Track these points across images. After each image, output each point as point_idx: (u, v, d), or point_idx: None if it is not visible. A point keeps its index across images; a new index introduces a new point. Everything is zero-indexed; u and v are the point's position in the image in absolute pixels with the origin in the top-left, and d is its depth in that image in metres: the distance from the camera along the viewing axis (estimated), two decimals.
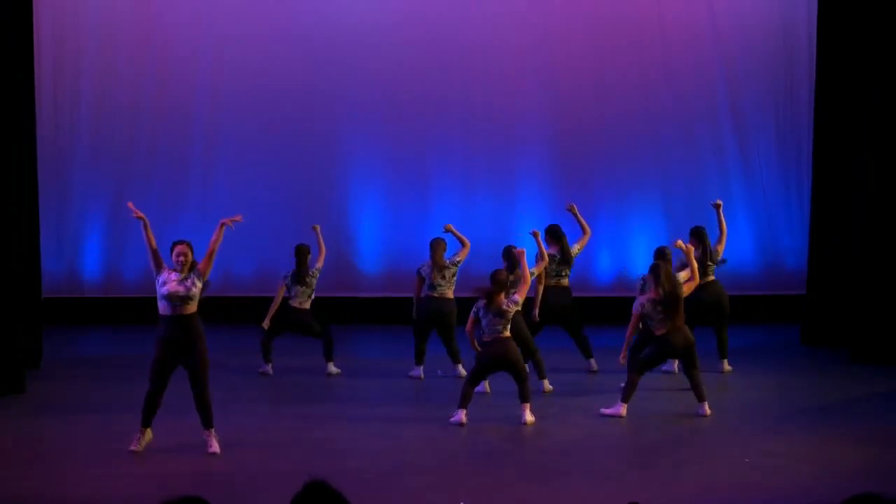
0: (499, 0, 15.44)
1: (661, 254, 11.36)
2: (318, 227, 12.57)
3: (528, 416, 10.05)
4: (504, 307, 9.98)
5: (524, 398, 10.10)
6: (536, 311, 11.82)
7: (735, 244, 15.08)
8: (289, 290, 12.22)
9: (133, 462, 8.88)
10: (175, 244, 9.06)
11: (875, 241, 12.84)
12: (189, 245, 9.07)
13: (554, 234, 12.18)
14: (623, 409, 10.25)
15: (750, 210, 15.47)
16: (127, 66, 15.36)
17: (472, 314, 10.11)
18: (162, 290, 8.92)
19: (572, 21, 15.42)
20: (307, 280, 12.18)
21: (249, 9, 15.39)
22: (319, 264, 12.33)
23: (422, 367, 12.05)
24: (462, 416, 10.01)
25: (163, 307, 8.97)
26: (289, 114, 15.39)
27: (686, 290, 10.57)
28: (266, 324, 12.20)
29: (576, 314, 12.26)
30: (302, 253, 12.21)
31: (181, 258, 8.94)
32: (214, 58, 15.36)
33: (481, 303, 10.03)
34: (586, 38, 15.42)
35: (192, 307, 8.93)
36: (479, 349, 10.10)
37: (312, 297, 12.29)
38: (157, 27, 15.36)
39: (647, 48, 15.42)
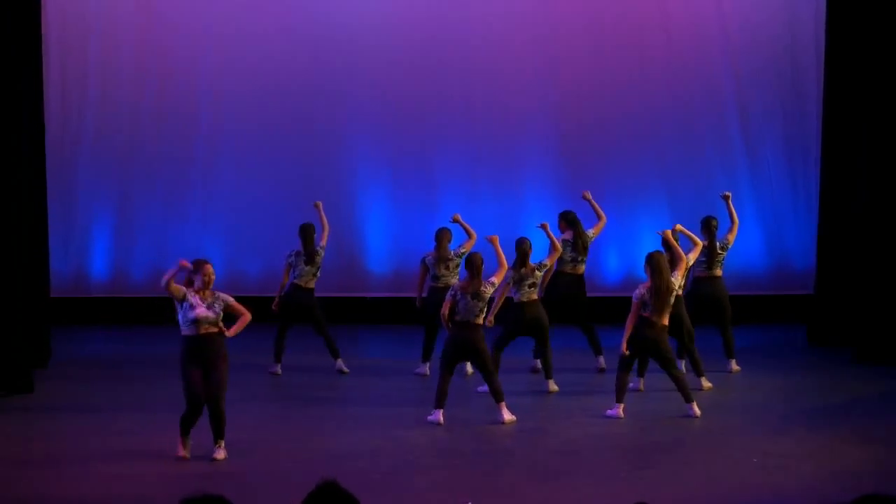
0: (505, 1, 15.45)
1: (667, 243, 11.40)
2: (321, 204, 12.54)
3: (507, 415, 10.08)
4: (481, 289, 10.08)
5: (497, 397, 10.12)
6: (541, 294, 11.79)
7: (742, 244, 15.05)
8: (294, 269, 12.22)
9: (140, 462, 8.91)
10: (203, 263, 8.98)
11: (883, 241, 12.81)
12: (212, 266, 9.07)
13: (568, 220, 12.24)
14: (619, 410, 10.25)
15: (757, 209, 15.44)
16: (131, 67, 15.39)
17: (448, 297, 10.21)
18: (190, 315, 8.82)
19: (578, 20, 15.41)
20: (315, 259, 12.18)
21: (253, 9, 15.39)
22: (323, 242, 12.34)
23: (428, 364, 12.09)
24: (440, 416, 10.05)
25: (189, 330, 8.89)
26: (293, 113, 15.41)
27: (692, 257, 11.03)
28: (275, 305, 12.20)
29: (586, 305, 12.27)
30: (307, 232, 12.20)
31: (210, 278, 8.92)
32: (218, 58, 15.39)
33: (458, 285, 10.19)
34: (592, 37, 15.40)
35: (217, 328, 8.91)
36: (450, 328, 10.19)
37: (318, 276, 12.30)
38: (160, 29, 15.38)
39: (653, 48, 15.39)
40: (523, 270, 11.10)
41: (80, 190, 15.45)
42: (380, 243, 15.59)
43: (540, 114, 15.52)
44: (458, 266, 12.03)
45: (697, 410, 10.25)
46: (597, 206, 12.56)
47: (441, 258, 12.01)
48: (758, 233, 15.44)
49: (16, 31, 11.79)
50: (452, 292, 10.19)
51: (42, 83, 12.73)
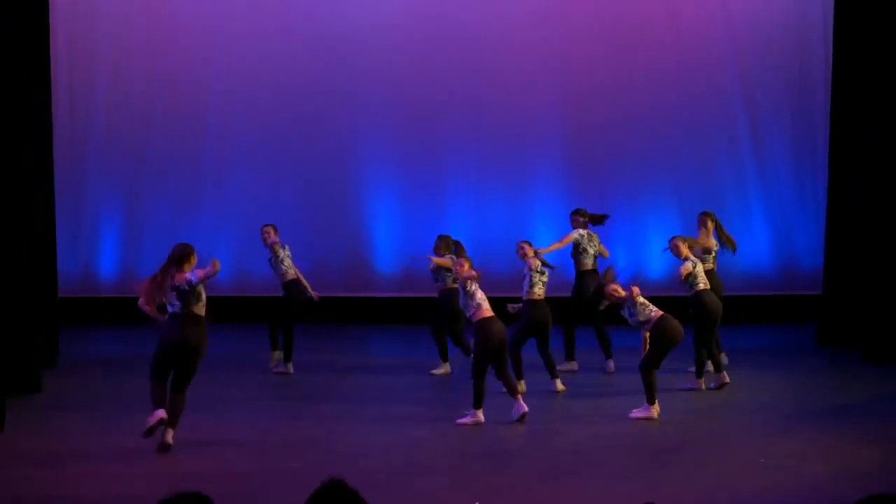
0: (512, 0, 15.46)
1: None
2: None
3: (523, 407, 10.04)
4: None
5: (513, 391, 10.09)
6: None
7: (751, 244, 15.09)
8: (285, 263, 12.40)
9: (147, 461, 8.91)
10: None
11: (891, 241, 12.80)
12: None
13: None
14: (653, 411, 10.22)
15: (765, 210, 15.43)
16: (141, 67, 15.44)
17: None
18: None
19: (587, 21, 15.42)
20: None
21: (263, 10, 15.43)
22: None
23: (448, 363, 12.14)
24: (481, 415, 10.00)
25: None
26: (303, 114, 15.44)
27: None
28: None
29: (573, 306, 12.31)
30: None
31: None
32: (228, 59, 15.42)
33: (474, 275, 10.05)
34: (601, 38, 15.41)
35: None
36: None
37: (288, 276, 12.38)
38: (169, 29, 15.42)
39: (661, 49, 15.40)
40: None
41: (88, 190, 15.50)
42: (388, 243, 15.60)
43: (548, 114, 15.53)
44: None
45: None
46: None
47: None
48: (766, 233, 15.43)
49: (23, 30, 11.82)
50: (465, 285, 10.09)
51: (50, 83, 12.76)
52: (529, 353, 11.61)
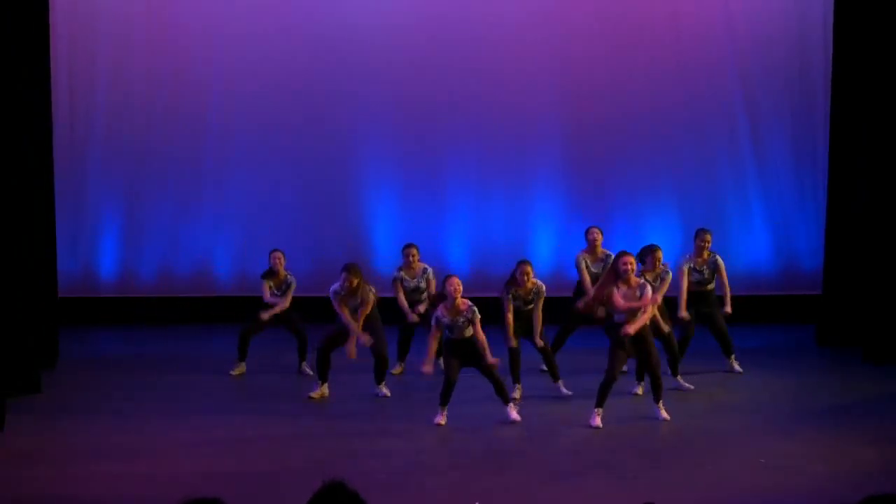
0: (512, 0, 15.45)
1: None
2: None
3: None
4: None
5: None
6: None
7: (751, 244, 15.08)
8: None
9: (147, 462, 8.92)
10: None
11: (891, 241, 12.80)
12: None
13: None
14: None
15: (765, 210, 15.41)
16: (141, 67, 15.40)
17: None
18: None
19: (587, 21, 15.39)
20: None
21: (263, 10, 15.41)
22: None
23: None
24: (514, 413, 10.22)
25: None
26: (303, 114, 15.42)
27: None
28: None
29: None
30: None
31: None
32: (227, 59, 15.39)
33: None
34: (602, 38, 15.37)
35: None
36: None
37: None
38: (170, 29, 15.39)
39: (662, 49, 15.37)
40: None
41: (89, 189, 15.47)
42: (388, 243, 15.59)
43: (548, 114, 15.51)
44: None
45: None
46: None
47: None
48: (766, 233, 15.42)
49: (23, 30, 11.82)
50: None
51: (50, 83, 12.75)
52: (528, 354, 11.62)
